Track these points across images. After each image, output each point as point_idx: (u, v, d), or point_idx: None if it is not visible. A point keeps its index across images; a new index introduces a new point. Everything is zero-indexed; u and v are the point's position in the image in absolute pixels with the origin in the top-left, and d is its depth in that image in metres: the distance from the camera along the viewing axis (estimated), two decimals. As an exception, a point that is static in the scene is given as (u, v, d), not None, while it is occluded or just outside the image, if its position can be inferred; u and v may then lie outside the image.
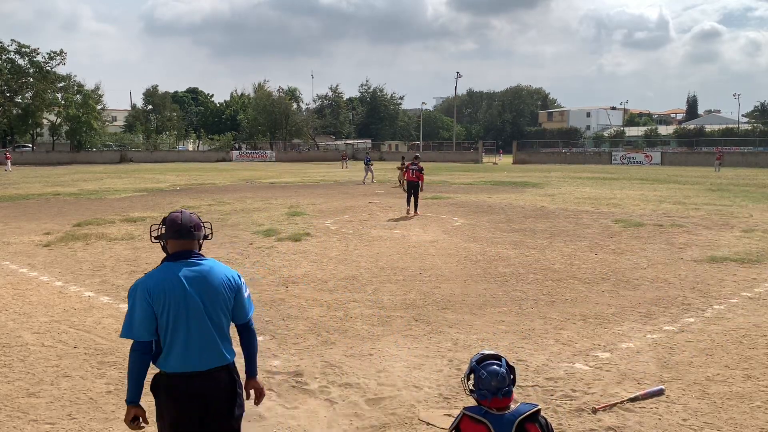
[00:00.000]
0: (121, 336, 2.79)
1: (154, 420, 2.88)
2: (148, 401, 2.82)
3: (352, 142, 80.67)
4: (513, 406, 2.56)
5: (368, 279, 8.40)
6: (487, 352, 2.68)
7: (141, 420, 2.80)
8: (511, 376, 2.59)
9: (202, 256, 2.89)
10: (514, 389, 2.59)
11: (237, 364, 2.93)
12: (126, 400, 2.78)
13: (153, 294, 2.71)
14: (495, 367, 2.58)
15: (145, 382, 2.79)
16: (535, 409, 2.55)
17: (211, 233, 3.06)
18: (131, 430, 2.80)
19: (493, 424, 2.50)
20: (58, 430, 4.12)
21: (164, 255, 2.89)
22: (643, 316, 6.61)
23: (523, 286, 8.02)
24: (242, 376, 2.97)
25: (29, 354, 5.51)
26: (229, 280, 2.86)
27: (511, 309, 6.92)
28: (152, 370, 2.82)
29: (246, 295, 2.92)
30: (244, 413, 2.94)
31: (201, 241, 2.93)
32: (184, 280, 2.75)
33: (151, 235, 3.00)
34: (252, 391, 3.00)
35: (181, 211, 2.91)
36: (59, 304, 7.15)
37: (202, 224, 2.92)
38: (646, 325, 6.31)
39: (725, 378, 4.90)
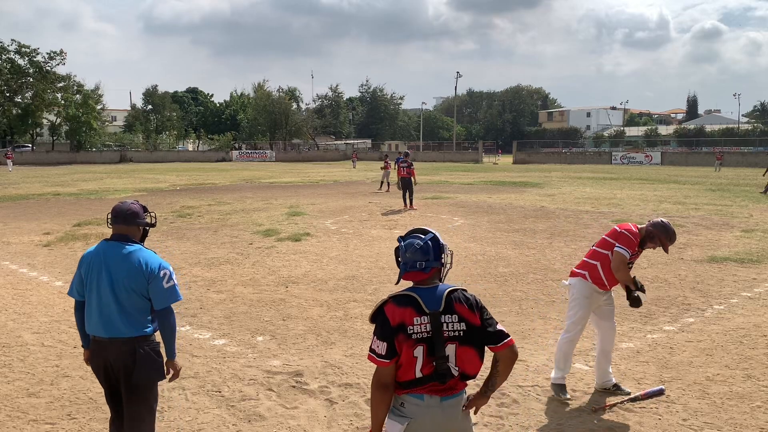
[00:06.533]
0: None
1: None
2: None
3: (352, 142, 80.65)
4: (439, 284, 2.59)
5: (368, 279, 8.40)
6: (419, 227, 2.71)
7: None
8: (439, 255, 2.58)
9: (134, 242, 3.30)
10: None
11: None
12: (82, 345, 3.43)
13: (83, 263, 3.30)
14: (413, 239, 2.60)
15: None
16: (459, 287, 2.58)
17: (155, 221, 3.48)
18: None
19: (422, 296, 2.50)
20: (58, 430, 4.12)
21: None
22: (643, 316, 6.61)
23: (523, 286, 8.02)
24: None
25: (29, 354, 5.51)
26: (144, 266, 3.20)
27: (511, 309, 6.92)
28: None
29: (166, 285, 3.22)
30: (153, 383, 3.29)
31: (142, 228, 3.38)
32: (103, 257, 3.23)
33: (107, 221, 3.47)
34: (171, 370, 3.37)
35: (123, 202, 3.39)
36: (59, 304, 7.14)
37: (142, 213, 3.36)
38: (646, 325, 6.31)
39: (725, 378, 4.90)
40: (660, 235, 4.58)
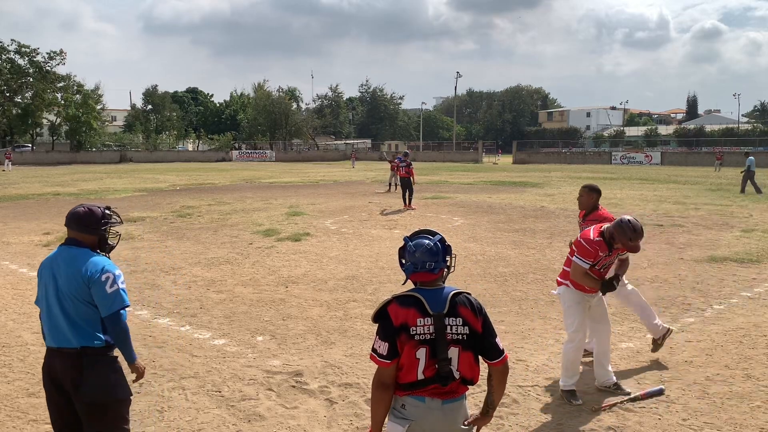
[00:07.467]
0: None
1: None
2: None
3: (352, 142, 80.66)
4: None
5: (368, 279, 8.40)
6: (426, 228, 2.71)
7: None
8: (445, 256, 2.59)
9: (85, 247, 3.05)
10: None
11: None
12: None
13: (39, 270, 3.13)
14: (422, 240, 2.60)
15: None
16: (463, 290, 2.57)
17: (109, 227, 3.17)
18: None
19: (426, 297, 2.50)
20: (58, 430, 4.12)
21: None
22: (643, 316, 6.60)
23: (523, 286, 8.02)
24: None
25: (29, 354, 5.51)
26: (84, 271, 2.96)
27: (511, 309, 6.93)
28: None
29: (109, 290, 2.96)
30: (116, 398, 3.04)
31: (98, 235, 3.10)
32: (52, 263, 3.06)
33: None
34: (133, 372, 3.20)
35: (80, 205, 3.15)
36: (59, 304, 7.14)
37: (94, 219, 3.07)
38: (646, 325, 6.30)
39: (725, 378, 4.90)
40: (619, 236, 4.32)
